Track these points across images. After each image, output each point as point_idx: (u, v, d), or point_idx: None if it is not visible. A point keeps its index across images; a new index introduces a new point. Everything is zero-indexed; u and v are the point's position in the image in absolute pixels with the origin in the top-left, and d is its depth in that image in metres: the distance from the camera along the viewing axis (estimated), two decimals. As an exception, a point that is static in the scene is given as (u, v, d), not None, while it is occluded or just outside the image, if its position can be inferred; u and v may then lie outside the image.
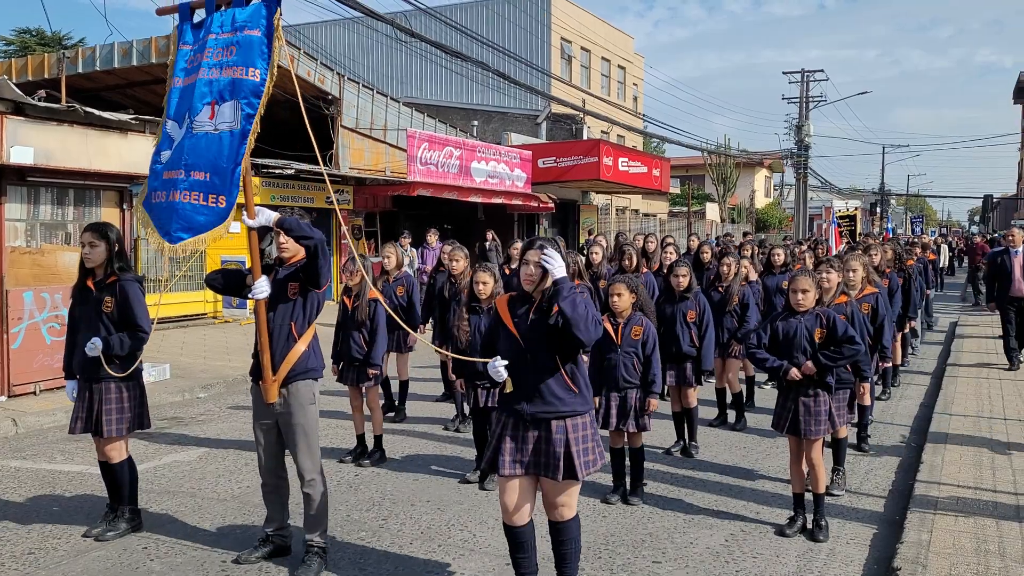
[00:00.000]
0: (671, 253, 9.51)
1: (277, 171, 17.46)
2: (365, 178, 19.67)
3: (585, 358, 4.59)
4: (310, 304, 4.65)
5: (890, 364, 8.38)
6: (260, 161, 16.98)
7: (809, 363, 5.34)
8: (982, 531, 5.22)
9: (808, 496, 5.59)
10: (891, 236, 25.75)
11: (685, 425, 7.39)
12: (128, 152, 9.89)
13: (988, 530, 5.24)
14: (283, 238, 4.63)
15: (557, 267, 3.77)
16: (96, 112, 9.54)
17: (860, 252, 8.19)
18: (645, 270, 8.52)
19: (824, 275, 6.35)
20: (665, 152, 68.26)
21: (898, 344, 10.79)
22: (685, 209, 42.26)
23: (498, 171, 22.12)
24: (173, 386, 10.04)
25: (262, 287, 4.52)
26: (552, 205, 24.58)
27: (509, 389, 3.93)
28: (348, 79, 19.96)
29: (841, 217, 24.72)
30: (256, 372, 4.60)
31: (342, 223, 17.58)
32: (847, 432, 6.49)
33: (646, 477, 6.43)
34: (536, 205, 24.22)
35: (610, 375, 5.92)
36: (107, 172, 9.67)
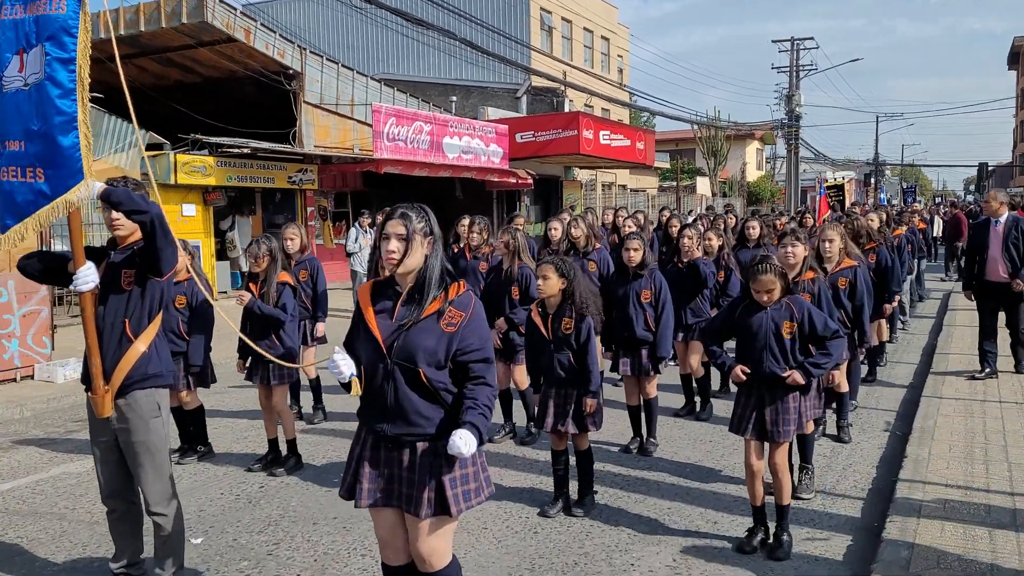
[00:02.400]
0: (630, 225, 8.68)
1: (235, 150, 16.59)
2: (331, 156, 18.76)
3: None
4: (150, 296, 3.80)
5: (868, 346, 7.58)
6: (215, 140, 16.12)
7: (796, 374, 4.56)
8: (972, 543, 4.45)
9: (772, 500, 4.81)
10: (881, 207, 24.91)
11: (643, 419, 6.60)
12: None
13: (979, 542, 4.46)
14: (114, 214, 3.74)
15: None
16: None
17: (836, 222, 7.36)
18: (599, 245, 7.70)
19: (788, 249, 5.54)
20: (655, 126, 67.31)
21: (884, 321, 10.01)
22: (675, 184, 41.43)
23: (472, 146, 21.20)
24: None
25: (86, 276, 3.64)
26: (530, 181, 23.69)
27: (356, 392, 3.13)
28: (310, 52, 19.01)
29: (829, 187, 23.82)
30: (87, 380, 3.77)
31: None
32: (815, 424, 5.71)
33: (597, 478, 5.67)
34: (514, 181, 23.33)
35: (546, 371, 5.13)
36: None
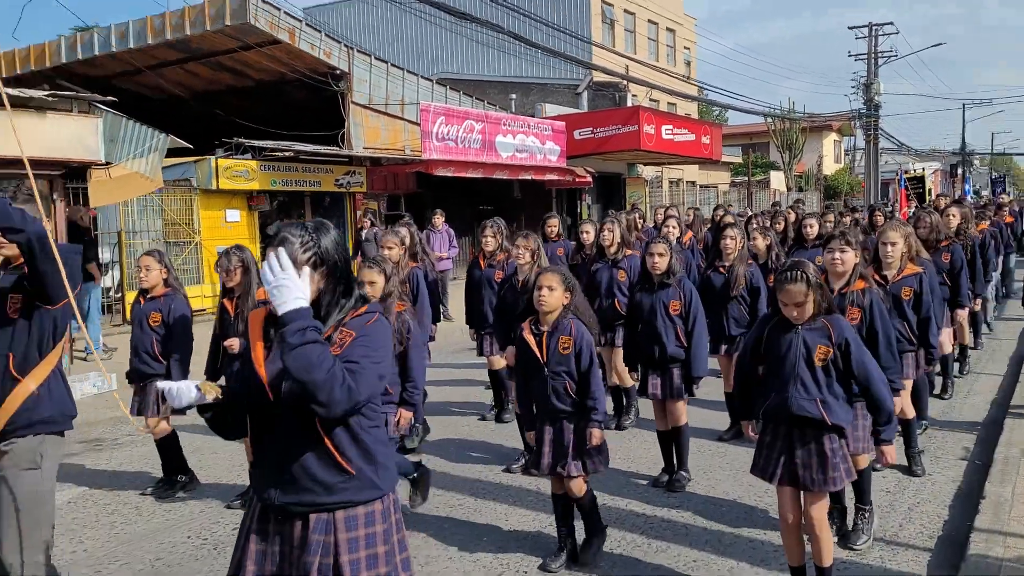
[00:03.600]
0: (672, 227, 7.86)
1: (279, 154, 16.27)
2: (379, 157, 18.30)
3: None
4: (39, 326, 3.22)
5: (935, 366, 6.58)
6: (257, 143, 15.81)
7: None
8: (1066, 621, 3.56)
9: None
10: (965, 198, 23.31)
11: (673, 449, 5.80)
12: (48, 133, 8.70)
13: (1075, 619, 3.57)
14: None
15: (284, 287, 2.30)
16: None
17: (899, 221, 6.41)
18: (629, 252, 6.91)
19: (836, 255, 4.68)
20: (727, 120, 65.45)
21: (965, 324, 8.96)
22: (747, 179, 39.95)
23: (527, 145, 20.52)
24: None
25: None
26: (589, 179, 22.89)
27: (213, 395, 2.47)
28: (358, 52, 18.60)
29: (909, 179, 22.44)
30: (-31, 423, 3.21)
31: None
32: (872, 457, 4.84)
33: (616, 519, 4.94)
34: (572, 180, 22.57)
35: (539, 402, 4.41)
36: (20, 159, 8.48)
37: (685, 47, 38.82)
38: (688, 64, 39.08)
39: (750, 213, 10.79)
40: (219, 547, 4.88)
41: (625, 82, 27.61)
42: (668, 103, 34.53)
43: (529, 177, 20.94)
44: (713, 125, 28.38)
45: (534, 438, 4.45)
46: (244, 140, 15.63)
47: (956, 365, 9.02)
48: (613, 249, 7.08)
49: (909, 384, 5.85)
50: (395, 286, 4.79)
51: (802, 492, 3.84)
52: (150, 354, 5.50)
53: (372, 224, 14.28)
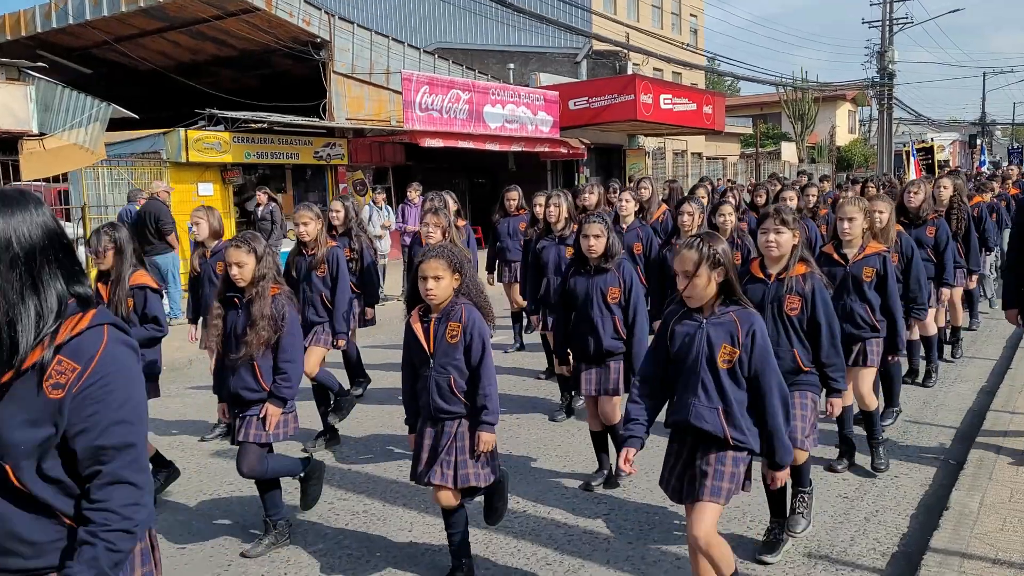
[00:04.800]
0: (626, 200, 7.23)
1: (257, 125, 15.68)
2: (359, 128, 17.68)
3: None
4: None
5: (900, 358, 5.95)
6: (229, 114, 15.23)
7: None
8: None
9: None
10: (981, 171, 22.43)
11: (610, 450, 5.24)
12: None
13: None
14: None
15: None
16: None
17: (855, 194, 5.77)
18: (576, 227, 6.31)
19: (771, 236, 4.09)
20: (739, 90, 64.13)
21: (958, 303, 8.34)
22: (759, 151, 38.99)
23: (518, 115, 19.81)
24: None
25: None
26: (583, 151, 22.15)
27: None
28: (339, 19, 17.92)
29: (919, 149, 21.56)
30: None
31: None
32: (811, 451, 4.28)
33: (532, 531, 4.43)
34: (566, 152, 21.85)
35: (422, 400, 3.85)
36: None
37: (692, 15, 37.75)
38: (695, 32, 38.02)
39: (727, 185, 10.11)
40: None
41: (625, 51, 26.75)
42: (673, 72, 33.59)
43: (520, 148, 20.25)
44: (716, 95, 27.44)
45: (413, 443, 3.90)
46: (216, 111, 15.05)
47: (949, 348, 8.41)
48: (560, 225, 6.51)
49: (870, 374, 5.28)
50: (269, 267, 4.23)
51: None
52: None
53: (270, 199, 13.31)
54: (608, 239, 4.92)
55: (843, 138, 51.16)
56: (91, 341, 1.89)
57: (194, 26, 17.86)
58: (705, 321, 3.31)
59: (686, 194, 9.51)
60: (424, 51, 20.67)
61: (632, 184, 9.88)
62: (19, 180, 9.82)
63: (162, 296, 4.99)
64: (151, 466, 4.93)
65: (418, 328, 3.81)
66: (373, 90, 18.58)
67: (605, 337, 4.99)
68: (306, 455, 4.75)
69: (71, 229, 13.61)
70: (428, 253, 3.80)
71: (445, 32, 32.69)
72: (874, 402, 5.35)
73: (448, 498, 3.81)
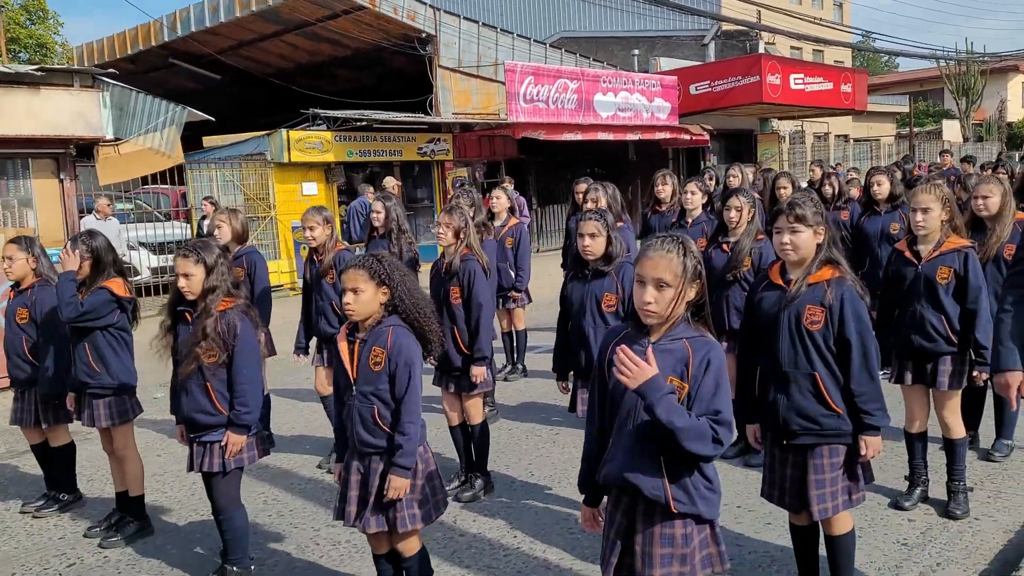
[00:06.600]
0: (691, 193, 6.46)
1: (361, 123, 15.70)
2: (463, 123, 17.42)
3: None
4: None
5: (985, 376, 4.72)
6: (330, 113, 15.30)
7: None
8: None
9: None
10: None
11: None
12: (45, 110, 8.36)
13: None
14: None
15: None
16: (-20, 66, 8.07)
17: (934, 180, 4.79)
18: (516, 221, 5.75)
19: (786, 237, 3.41)
20: (897, 66, 59.90)
21: None
22: (921, 130, 36.13)
23: (632, 103, 18.99)
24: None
25: None
26: (706, 137, 21.02)
27: None
28: (445, 13, 17.72)
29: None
30: None
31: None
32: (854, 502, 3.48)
33: None
34: (688, 139, 20.81)
35: (349, 430, 3.37)
36: (12, 138, 8.18)
37: (836, -12, 35.43)
38: (840, 7, 35.64)
39: (827, 171, 9.02)
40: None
41: (755, 31, 25.27)
42: (814, 51, 31.60)
43: (637, 137, 19.43)
44: (856, 72, 25.43)
45: (339, 475, 3.43)
46: (318, 111, 15.16)
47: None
48: (504, 216, 6.05)
49: (952, 396, 4.39)
50: (220, 279, 3.85)
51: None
52: (20, 356, 4.90)
53: (215, 207, 11.79)
54: (606, 238, 4.27)
55: (1016, 113, 46.68)
56: None
57: (307, 28, 18.17)
58: (651, 347, 2.65)
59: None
60: (535, 41, 20.17)
61: (706, 175, 9.05)
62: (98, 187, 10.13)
63: (133, 306, 4.70)
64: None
65: (343, 348, 3.34)
66: (481, 83, 18.28)
67: (595, 349, 4.35)
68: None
69: (188, 228, 14.10)
70: (350, 262, 3.33)
71: (569, 22, 32.11)
72: (961, 431, 4.44)
73: (383, 545, 3.33)
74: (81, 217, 10.29)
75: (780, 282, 3.46)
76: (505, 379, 7.75)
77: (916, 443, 4.59)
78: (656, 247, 2.61)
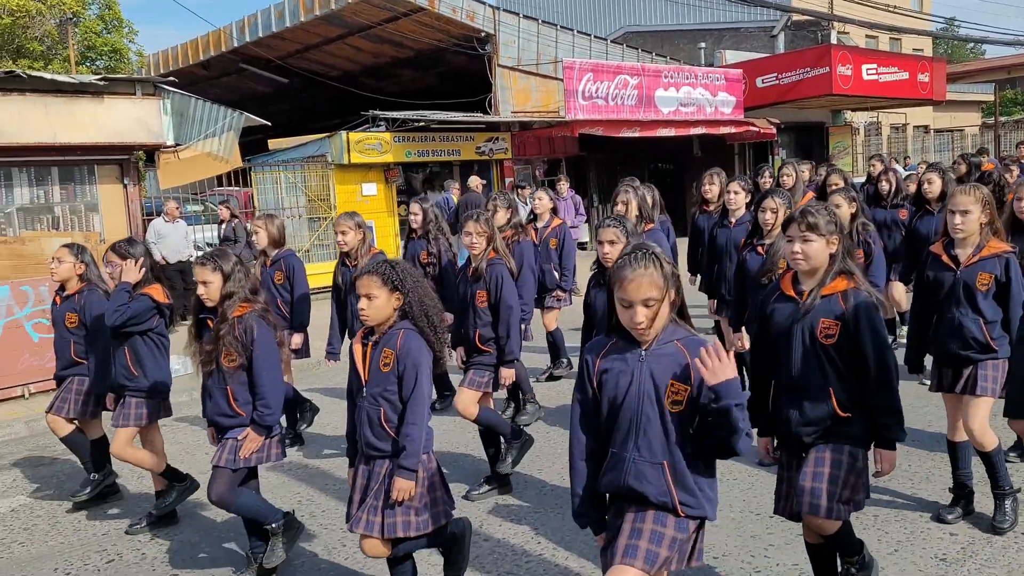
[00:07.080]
0: (735, 192, 6.32)
1: (419, 123, 15.84)
2: (521, 122, 17.40)
3: None
4: None
5: None
6: (389, 115, 15.47)
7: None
8: None
9: None
10: None
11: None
12: (109, 118, 8.67)
13: None
14: None
15: None
16: (47, 75, 8.39)
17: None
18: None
19: (797, 246, 3.33)
20: (984, 53, 57.44)
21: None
22: (1008, 119, 34.64)
23: (694, 97, 18.68)
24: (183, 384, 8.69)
25: None
26: (773, 130, 20.54)
27: None
28: (504, 11, 17.75)
29: None
30: None
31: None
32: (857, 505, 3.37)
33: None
34: (757, 132, 20.37)
35: (357, 432, 3.42)
36: (78, 145, 8.50)
37: (914, -25, 34.19)
38: (919, -7, 34.39)
39: (883, 167, 8.72)
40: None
41: (827, 22, 24.55)
42: (891, 39, 30.57)
43: (700, 132, 19.11)
44: (935, 60, 24.48)
45: (351, 479, 3.46)
46: (378, 112, 15.36)
47: None
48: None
49: (984, 405, 4.18)
50: (238, 286, 3.93)
51: None
52: (69, 361, 5.11)
53: (233, 216, 11.72)
54: (626, 246, 4.21)
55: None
56: None
57: (370, 30, 18.41)
58: (644, 353, 2.62)
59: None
60: (596, 37, 20.03)
61: (765, 172, 8.79)
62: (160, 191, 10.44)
63: (171, 311, 4.84)
64: (166, 482, 4.86)
65: (357, 351, 3.39)
66: (541, 81, 18.24)
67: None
68: (290, 510, 4.32)
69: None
70: (364, 268, 3.36)
71: (635, 16, 31.77)
72: (992, 440, 4.23)
73: (375, 548, 3.34)
74: (150, 220, 10.70)
75: (792, 293, 3.36)
76: (550, 378, 7.72)
77: (960, 453, 4.40)
78: (631, 267, 2.57)
